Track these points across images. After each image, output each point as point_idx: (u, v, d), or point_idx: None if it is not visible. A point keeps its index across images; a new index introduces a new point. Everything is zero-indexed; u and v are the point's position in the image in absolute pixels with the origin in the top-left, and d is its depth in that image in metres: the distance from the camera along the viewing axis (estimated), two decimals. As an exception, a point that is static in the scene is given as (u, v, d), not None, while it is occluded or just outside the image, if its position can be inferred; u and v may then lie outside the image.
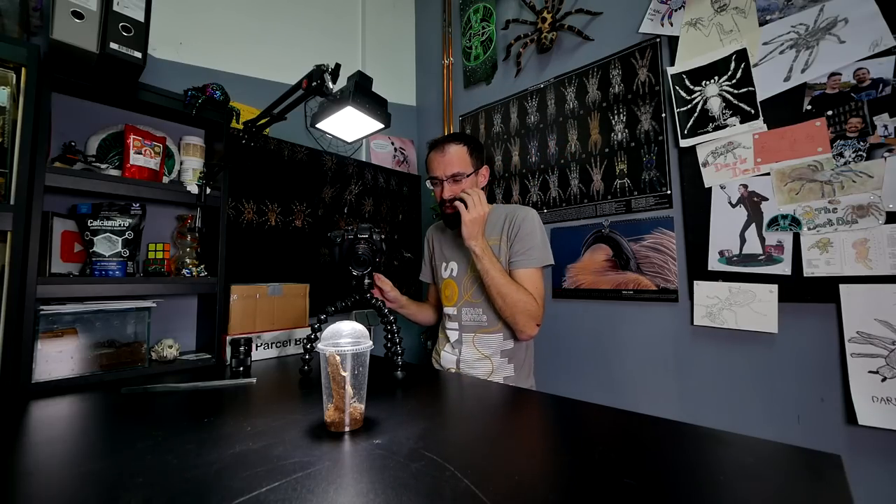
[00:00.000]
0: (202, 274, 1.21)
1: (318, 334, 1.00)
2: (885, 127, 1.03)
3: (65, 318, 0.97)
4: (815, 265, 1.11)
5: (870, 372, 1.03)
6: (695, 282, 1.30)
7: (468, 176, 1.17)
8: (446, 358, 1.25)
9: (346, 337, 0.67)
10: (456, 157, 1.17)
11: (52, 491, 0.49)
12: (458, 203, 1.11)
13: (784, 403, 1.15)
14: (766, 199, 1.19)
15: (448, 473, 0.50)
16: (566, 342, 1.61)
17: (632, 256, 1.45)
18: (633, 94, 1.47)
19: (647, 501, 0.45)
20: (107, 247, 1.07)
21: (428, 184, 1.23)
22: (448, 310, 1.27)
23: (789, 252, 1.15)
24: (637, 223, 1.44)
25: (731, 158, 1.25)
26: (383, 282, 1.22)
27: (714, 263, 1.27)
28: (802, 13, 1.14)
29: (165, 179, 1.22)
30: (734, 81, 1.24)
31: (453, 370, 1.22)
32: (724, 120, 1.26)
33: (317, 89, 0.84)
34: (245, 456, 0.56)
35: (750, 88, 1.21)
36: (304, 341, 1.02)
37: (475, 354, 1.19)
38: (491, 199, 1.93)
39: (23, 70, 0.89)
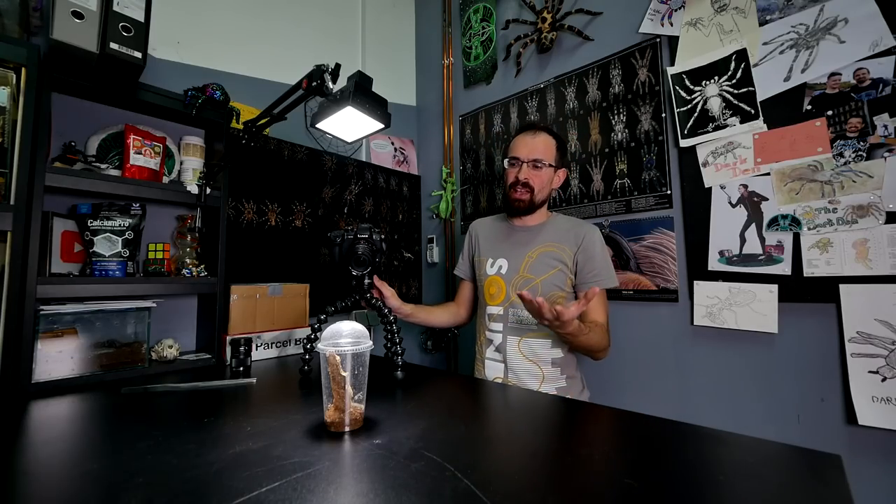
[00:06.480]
0: (202, 274, 1.21)
1: (318, 334, 1.00)
2: (885, 127, 1.03)
3: (65, 318, 0.97)
4: (815, 265, 1.11)
5: (870, 372, 1.03)
6: (695, 282, 1.30)
7: (548, 167, 1.17)
8: (492, 367, 1.20)
9: (346, 337, 0.67)
10: (543, 146, 1.18)
11: (52, 491, 0.49)
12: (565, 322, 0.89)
13: (784, 403, 1.15)
14: (766, 199, 1.19)
15: (448, 473, 0.50)
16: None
17: (632, 256, 1.45)
18: (633, 94, 1.47)
19: (647, 501, 0.45)
20: (107, 247, 1.07)
21: (506, 163, 1.22)
22: (492, 309, 1.22)
23: (789, 252, 1.15)
24: (637, 223, 1.44)
25: (731, 158, 1.25)
26: (385, 288, 1.15)
27: (714, 263, 1.27)
28: (802, 13, 1.14)
29: (165, 179, 1.22)
30: (734, 81, 1.24)
31: (500, 380, 1.17)
32: (724, 120, 1.26)
33: (317, 89, 0.84)
34: (245, 456, 0.56)
35: (750, 88, 1.21)
36: (304, 341, 1.02)
37: (522, 360, 1.15)
38: (492, 200, 1.93)
39: (23, 70, 0.89)
